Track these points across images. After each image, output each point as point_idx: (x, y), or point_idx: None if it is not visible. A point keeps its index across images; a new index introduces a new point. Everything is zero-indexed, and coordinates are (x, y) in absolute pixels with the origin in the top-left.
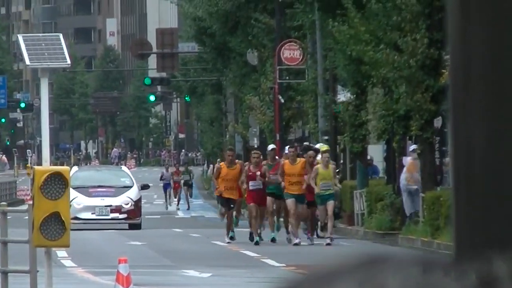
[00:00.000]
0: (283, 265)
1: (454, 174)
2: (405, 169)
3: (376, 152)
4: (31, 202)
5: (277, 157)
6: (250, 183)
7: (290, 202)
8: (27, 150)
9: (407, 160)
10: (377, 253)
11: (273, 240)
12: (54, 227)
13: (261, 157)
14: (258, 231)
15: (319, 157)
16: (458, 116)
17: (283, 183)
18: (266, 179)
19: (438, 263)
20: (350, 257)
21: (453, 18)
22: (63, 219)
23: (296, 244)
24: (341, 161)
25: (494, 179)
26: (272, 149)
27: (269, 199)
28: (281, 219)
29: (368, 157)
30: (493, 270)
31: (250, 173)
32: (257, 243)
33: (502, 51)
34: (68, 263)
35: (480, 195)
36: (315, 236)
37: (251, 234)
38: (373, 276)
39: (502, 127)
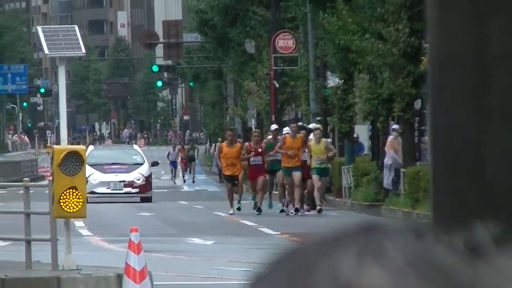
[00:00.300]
0: (278, 233)
1: (433, 153)
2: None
3: (362, 132)
4: (51, 178)
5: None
6: (251, 158)
7: (288, 179)
8: (47, 131)
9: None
10: (373, 222)
11: (281, 211)
12: (72, 200)
13: (261, 136)
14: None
15: (311, 136)
16: (436, 100)
17: (282, 153)
18: (266, 156)
19: (427, 231)
20: (347, 226)
21: (432, 8)
22: (80, 193)
23: (296, 211)
24: (330, 140)
25: (470, 159)
26: (275, 129)
27: (271, 178)
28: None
29: (355, 135)
30: (477, 236)
31: (252, 150)
32: (259, 211)
33: (478, 39)
34: (85, 232)
35: (457, 174)
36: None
37: (255, 204)
38: (373, 242)
39: (478, 110)
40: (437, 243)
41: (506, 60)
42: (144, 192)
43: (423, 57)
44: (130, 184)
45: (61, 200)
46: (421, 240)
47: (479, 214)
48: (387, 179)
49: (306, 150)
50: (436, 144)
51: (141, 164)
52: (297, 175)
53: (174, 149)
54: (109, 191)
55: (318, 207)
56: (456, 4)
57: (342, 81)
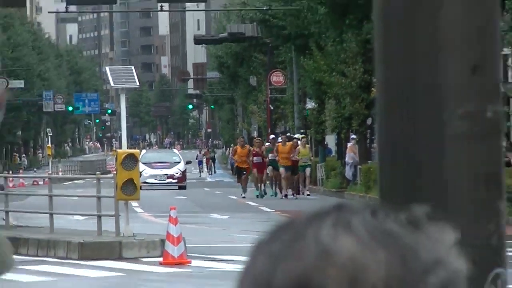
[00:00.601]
0: (274, 210)
1: (380, 155)
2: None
3: (330, 140)
4: (115, 172)
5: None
6: (254, 158)
7: (282, 170)
8: (112, 140)
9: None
10: (341, 203)
11: (273, 195)
12: (130, 188)
13: (262, 142)
14: (263, 188)
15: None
16: (382, 118)
17: (277, 158)
18: (265, 158)
19: (379, 210)
20: (322, 206)
21: (378, 55)
22: (135, 182)
23: (285, 197)
24: (308, 146)
25: (406, 158)
26: (273, 138)
27: (269, 168)
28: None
29: (326, 142)
30: (415, 213)
31: (254, 152)
32: (262, 197)
33: (409, 79)
34: (139, 210)
35: (397, 169)
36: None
37: (257, 190)
38: (342, 217)
39: (411, 125)
40: (387, 217)
41: (428, 87)
42: (181, 182)
43: (373, 88)
44: (171, 176)
45: (122, 188)
46: (375, 215)
47: (413, 198)
48: (348, 173)
49: (296, 149)
50: (382, 148)
51: (179, 162)
52: (287, 172)
53: (200, 152)
54: (156, 181)
55: (307, 193)
56: (393, 53)
57: (317, 105)
